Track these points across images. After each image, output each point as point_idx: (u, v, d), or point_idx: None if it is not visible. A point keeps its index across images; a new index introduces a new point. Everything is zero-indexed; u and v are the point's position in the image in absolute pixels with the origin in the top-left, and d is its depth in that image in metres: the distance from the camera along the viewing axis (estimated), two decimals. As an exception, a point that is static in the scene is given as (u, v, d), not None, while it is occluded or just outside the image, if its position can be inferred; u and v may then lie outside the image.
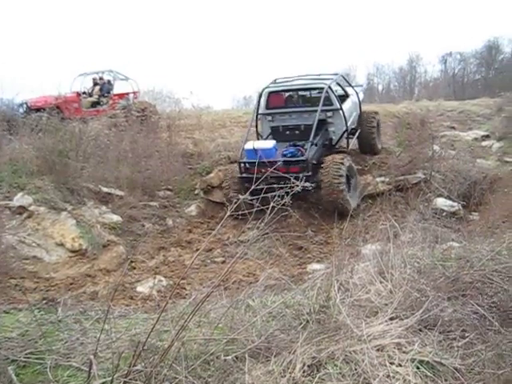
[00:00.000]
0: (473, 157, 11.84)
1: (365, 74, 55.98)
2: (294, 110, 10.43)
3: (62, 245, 7.51)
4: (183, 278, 6.37)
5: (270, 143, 9.43)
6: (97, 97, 15.01)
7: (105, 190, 9.41)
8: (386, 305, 3.78)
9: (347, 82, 12.04)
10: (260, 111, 10.58)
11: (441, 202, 9.23)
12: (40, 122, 10.30)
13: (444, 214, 8.70)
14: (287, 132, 10.16)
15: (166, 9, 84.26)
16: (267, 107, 10.60)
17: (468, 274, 4.17)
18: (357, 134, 11.19)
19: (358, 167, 10.73)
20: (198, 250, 8.11)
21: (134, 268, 7.47)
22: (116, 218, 8.73)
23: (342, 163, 9.09)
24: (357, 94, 11.60)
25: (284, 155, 9.18)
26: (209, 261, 7.77)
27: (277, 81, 10.91)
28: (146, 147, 11.23)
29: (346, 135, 10.50)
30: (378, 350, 3.17)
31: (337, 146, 10.49)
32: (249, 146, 9.30)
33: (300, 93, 10.78)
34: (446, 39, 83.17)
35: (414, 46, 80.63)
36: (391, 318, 3.57)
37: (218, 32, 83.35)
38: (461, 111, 20.05)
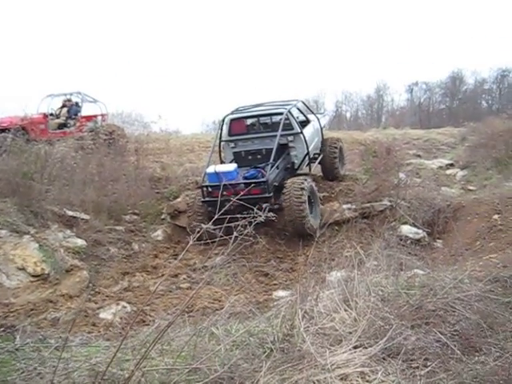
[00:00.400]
0: (437, 185, 12.04)
1: (333, 101, 56.94)
2: (256, 136, 10.59)
3: (23, 269, 7.30)
4: (147, 305, 6.28)
5: (231, 166, 9.57)
6: (64, 118, 14.82)
7: (70, 213, 9.25)
8: (350, 333, 3.79)
9: (308, 108, 12.17)
10: (223, 138, 10.76)
11: (406, 230, 9.31)
12: (4, 143, 10.11)
13: (409, 241, 8.80)
14: (249, 157, 10.30)
15: (136, 32, 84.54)
16: (229, 134, 10.75)
17: (431, 302, 4.21)
18: (319, 158, 11.37)
19: (325, 194, 10.81)
20: (163, 275, 8.02)
21: (98, 293, 7.32)
22: (80, 242, 8.56)
23: (304, 184, 9.20)
24: (318, 120, 11.77)
25: (245, 177, 9.36)
26: (174, 287, 7.65)
27: (239, 109, 11.13)
28: (112, 171, 11.14)
29: (307, 159, 10.63)
30: (341, 378, 3.16)
31: (299, 170, 10.60)
32: (210, 169, 9.42)
33: (261, 119, 10.88)
34: (412, 69, 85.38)
35: (381, 75, 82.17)
36: (355, 347, 3.57)
37: (188, 56, 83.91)
38: (426, 140, 20.46)
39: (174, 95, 65.86)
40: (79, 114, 15.05)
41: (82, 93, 15.53)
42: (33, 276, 7.29)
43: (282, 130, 9.73)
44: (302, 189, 9.12)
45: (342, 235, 9.05)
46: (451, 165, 15.68)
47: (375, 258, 5.67)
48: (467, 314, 4.05)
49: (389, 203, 10.12)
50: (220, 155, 10.78)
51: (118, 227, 9.68)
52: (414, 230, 9.35)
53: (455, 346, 3.63)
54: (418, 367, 3.37)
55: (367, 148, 13.81)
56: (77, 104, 15.35)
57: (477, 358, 3.52)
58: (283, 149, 10.27)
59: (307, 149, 10.44)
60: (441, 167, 15.47)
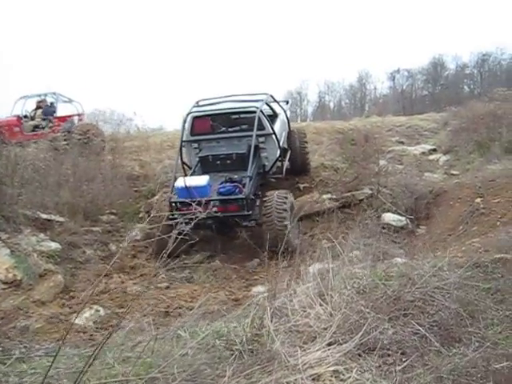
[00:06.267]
0: (420, 171, 11.92)
1: (316, 91, 56.97)
2: (223, 136, 9.60)
3: (-6, 276, 7.06)
4: (121, 307, 6.07)
5: (203, 179, 8.42)
6: (39, 120, 14.52)
7: (43, 216, 8.96)
8: (325, 329, 3.62)
9: (275, 100, 10.96)
10: (184, 138, 9.62)
11: (388, 217, 9.18)
12: (-25, 147, 9.83)
13: (392, 228, 8.70)
14: (218, 162, 9.19)
15: (115, 27, 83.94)
16: (192, 133, 9.66)
17: (409, 292, 4.06)
18: (288, 154, 10.45)
19: (305, 184, 10.65)
20: (142, 275, 7.82)
21: (73, 298, 7.09)
22: (55, 245, 8.27)
23: (286, 198, 8.42)
24: (285, 111, 10.99)
25: (220, 193, 8.34)
26: (152, 286, 7.43)
27: (200, 103, 9.97)
28: (88, 170, 10.83)
29: (279, 160, 9.67)
30: (313, 379, 3.01)
31: (270, 172, 9.76)
32: (180, 183, 8.32)
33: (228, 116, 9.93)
34: (394, 56, 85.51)
35: (362, 64, 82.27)
36: (329, 344, 3.40)
37: (171, 53, 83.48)
38: (409, 126, 20.24)
39: (157, 92, 65.53)
40: (54, 115, 14.73)
41: (56, 93, 15.21)
42: (4, 283, 7.02)
43: (252, 129, 8.84)
44: (285, 202, 8.32)
45: (323, 226, 8.87)
46: (434, 150, 15.50)
47: (354, 249, 5.51)
48: (447, 303, 3.90)
49: (370, 191, 9.99)
50: (181, 159, 9.65)
51: (94, 228, 9.41)
52: (397, 217, 9.23)
53: (434, 337, 3.48)
54: (394, 363, 3.20)
55: (345, 136, 13.56)
56: (51, 104, 15.03)
57: (456, 349, 3.36)
58: (254, 151, 8.91)
59: (279, 148, 9.53)
60: (423, 153, 15.29)
